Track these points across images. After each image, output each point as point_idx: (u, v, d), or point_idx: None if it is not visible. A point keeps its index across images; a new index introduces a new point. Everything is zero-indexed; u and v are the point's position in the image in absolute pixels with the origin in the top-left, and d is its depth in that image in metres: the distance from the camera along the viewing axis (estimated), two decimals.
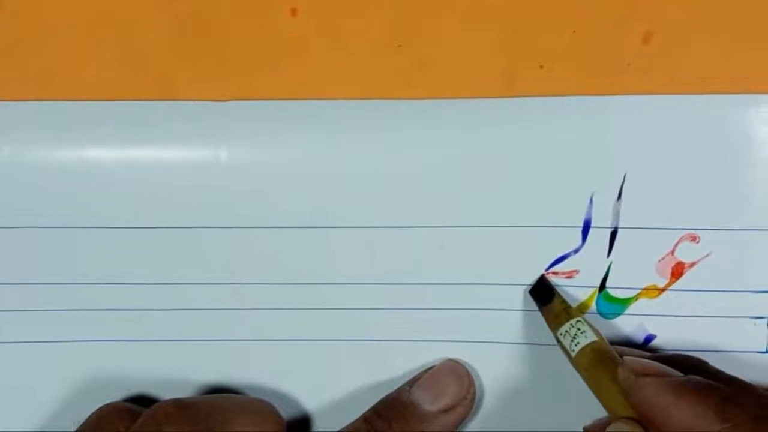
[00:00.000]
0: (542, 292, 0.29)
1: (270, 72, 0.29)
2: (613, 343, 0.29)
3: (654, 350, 0.30)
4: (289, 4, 0.29)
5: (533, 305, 0.30)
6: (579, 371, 0.28)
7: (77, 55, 0.29)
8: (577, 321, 0.28)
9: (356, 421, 0.30)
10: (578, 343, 0.28)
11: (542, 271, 0.30)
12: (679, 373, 0.26)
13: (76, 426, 0.29)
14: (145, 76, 0.29)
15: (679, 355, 0.29)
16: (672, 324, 0.30)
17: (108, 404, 0.29)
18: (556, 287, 0.29)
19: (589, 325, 0.28)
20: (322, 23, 0.29)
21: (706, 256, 0.29)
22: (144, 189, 0.30)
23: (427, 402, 0.29)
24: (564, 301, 0.29)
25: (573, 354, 0.28)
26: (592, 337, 0.28)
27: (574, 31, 0.29)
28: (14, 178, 0.30)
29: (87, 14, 0.29)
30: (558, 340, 0.28)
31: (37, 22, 0.29)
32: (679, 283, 0.30)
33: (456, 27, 0.29)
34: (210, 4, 0.29)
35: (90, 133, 0.29)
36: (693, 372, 0.26)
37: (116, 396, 0.31)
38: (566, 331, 0.28)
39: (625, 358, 0.27)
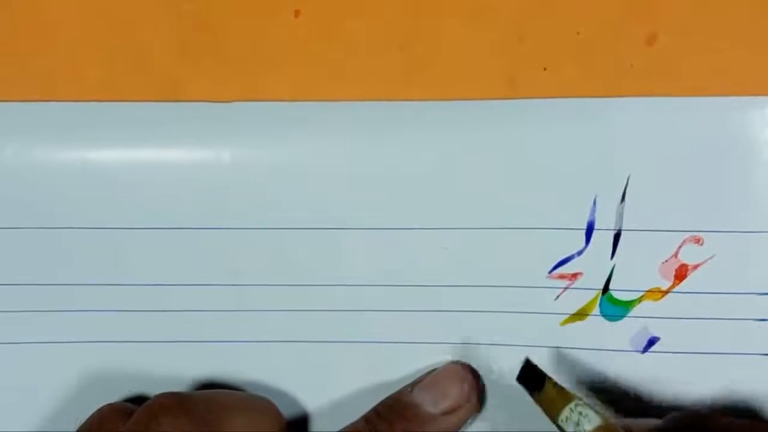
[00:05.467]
0: (531, 378, 0.27)
1: (273, 73, 0.29)
2: (615, 346, 0.29)
3: (671, 410, 0.29)
4: (292, 5, 0.29)
5: (536, 307, 0.30)
6: None
7: (79, 55, 0.29)
8: (576, 405, 0.26)
9: (357, 421, 0.30)
10: (583, 429, 0.26)
11: (545, 275, 0.30)
12: None
13: (77, 426, 0.29)
14: (148, 77, 0.29)
15: (692, 412, 0.27)
16: (675, 327, 0.30)
17: (108, 404, 0.29)
18: (544, 370, 0.27)
19: (589, 406, 0.26)
20: (325, 24, 0.29)
21: (710, 258, 0.29)
22: (146, 190, 0.30)
23: (429, 404, 0.29)
24: (556, 384, 0.27)
25: None
26: (596, 421, 0.26)
27: (578, 33, 0.29)
28: (17, 179, 0.30)
29: (89, 15, 0.29)
30: (560, 428, 0.26)
31: (40, 23, 0.29)
32: (683, 286, 0.29)
33: (459, 29, 0.29)
34: (213, 4, 0.29)
35: (92, 134, 0.29)
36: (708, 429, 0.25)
37: (117, 396, 0.31)
38: (567, 417, 0.26)
39: None
